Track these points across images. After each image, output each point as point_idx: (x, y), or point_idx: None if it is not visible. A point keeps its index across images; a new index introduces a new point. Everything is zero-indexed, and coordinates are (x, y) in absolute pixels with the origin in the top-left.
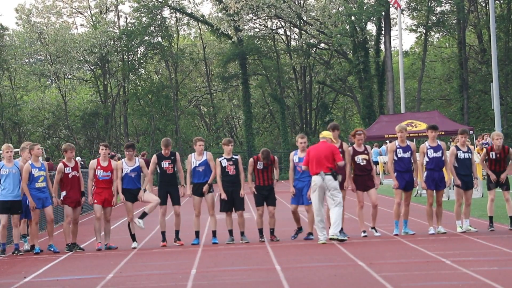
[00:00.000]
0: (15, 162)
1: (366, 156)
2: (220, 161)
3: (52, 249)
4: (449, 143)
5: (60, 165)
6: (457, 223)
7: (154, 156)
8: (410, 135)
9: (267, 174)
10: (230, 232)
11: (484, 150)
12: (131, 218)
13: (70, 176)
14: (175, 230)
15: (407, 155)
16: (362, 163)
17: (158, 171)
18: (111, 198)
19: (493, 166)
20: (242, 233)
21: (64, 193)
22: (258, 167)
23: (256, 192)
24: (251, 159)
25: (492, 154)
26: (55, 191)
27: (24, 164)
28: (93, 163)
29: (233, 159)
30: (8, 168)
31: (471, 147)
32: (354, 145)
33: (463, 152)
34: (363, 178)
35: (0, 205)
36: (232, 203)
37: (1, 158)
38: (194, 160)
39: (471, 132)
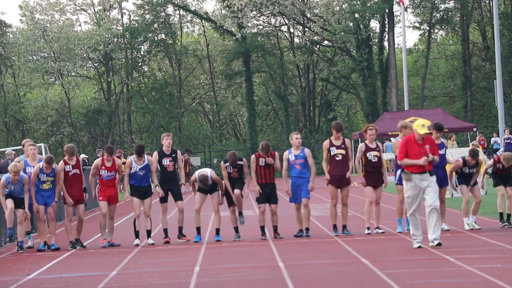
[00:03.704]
0: (20, 177)
1: (377, 153)
2: (226, 166)
3: (53, 247)
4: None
5: (61, 163)
6: (465, 220)
7: (155, 154)
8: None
9: (269, 172)
10: (236, 229)
11: (492, 160)
12: (138, 215)
13: (70, 174)
14: (179, 227)
15: None
16: (373, 160)
17: (159, 168)
18: (116, 195)
19: (499, 172)
20: (240, 213)
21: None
22: (260, 164)
23: (260, 191)
24: (253, 156)
25: (499, 165)
26: (62, 190)
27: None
28: (98, 161)
29: (238, 166)
30: (13, 185)
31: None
32: (366, 141)
33: (469, 167)
34: (374, 175)
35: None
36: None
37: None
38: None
39: (474, 129)
